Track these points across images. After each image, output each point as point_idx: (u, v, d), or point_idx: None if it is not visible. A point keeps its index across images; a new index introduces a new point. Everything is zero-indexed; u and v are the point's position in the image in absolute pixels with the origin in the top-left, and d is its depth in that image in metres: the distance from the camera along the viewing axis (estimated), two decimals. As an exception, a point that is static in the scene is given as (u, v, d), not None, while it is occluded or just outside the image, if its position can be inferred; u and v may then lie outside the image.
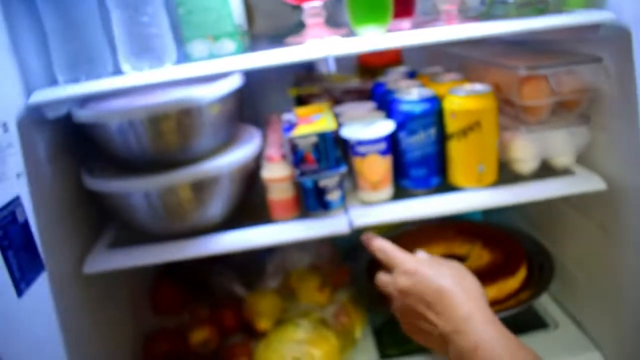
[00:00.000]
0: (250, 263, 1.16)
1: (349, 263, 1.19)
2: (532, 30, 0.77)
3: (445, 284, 0.67)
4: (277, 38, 0.98)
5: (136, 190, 0.80)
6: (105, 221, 0.94)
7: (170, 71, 0.76)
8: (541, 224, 1.14)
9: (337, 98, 1.08)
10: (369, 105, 0.97)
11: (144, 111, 0.77)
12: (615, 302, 0.91)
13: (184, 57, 0.84)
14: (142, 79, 0.76)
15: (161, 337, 1.06)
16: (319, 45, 0.74)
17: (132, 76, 0.77)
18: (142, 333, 1.06)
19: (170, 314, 1.12)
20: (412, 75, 1.03)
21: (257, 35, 1.09)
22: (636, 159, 0.80)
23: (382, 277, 0.76)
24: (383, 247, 0.77)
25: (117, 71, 0.79)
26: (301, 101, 1.10)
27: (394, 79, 1.00)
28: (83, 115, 0.80)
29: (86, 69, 0.79)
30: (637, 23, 0.75)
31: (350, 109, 0.96)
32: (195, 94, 0.78)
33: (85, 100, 0.85)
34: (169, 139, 0.80)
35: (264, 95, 1.26)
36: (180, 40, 0.82)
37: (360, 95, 1.07)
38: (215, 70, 0.74)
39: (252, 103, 1.27)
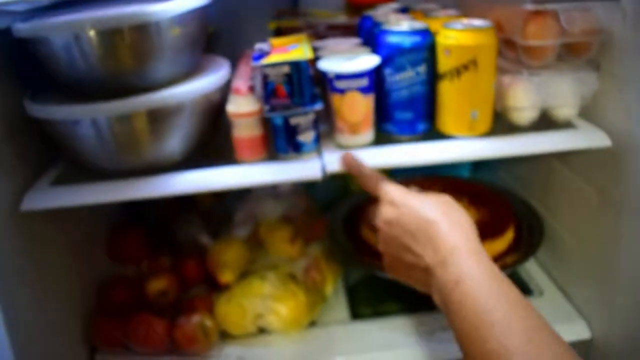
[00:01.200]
0: (219, 211, 1.08)
1: (325, 215, 1.11)
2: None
3: (432, 214, 0.61)
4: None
5: (84, 117, 0.70)
6: (52, 157, 0.84)
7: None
8: (533, 184, 1.06)
9: (320, 33, 0.98)
10: (354, 40, 0.87)
11: (92, 23, 0.67)
12: (607, 272, 0.84)
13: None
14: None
15: (117, 285, 0.97)
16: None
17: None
18: (96, 280, 0.98)
19: (128, 261, 1.03)
20: (404, 11, 0.92)
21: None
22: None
23: (369, 210, 0.70)
24: (369, 174, 0.70)
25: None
26: (281, 35, 0.99)
27: (383, 12, 0.89)
28: (23, 28, 0.69)
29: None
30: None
31: (332, 44, 0.86)
32: (152, 8, 0.68)
33: (30, 14, 0.75)
34: (121, 59, 0.70)
35: (242, 31, 1.16)
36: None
37: (346, 31, 0.96)
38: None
39: (229, 39, 1.17)
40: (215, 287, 0.94)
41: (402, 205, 0.64)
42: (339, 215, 1.05)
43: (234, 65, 0.87)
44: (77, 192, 0.74)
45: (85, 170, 0.78)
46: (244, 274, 0.94)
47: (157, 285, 0.95)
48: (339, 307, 0.97)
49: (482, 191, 1.01)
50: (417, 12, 0.89)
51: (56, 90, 0.77)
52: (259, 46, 0.79)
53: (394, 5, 0.97)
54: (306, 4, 1.15)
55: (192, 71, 0.79)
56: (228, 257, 0.93)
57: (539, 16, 0.73)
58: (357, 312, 0.96)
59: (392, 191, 0.67)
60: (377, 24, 0.80)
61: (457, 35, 0.71)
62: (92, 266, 0.97)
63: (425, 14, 0.83)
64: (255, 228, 1.01)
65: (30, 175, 0.78)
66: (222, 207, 1.08)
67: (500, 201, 0.99)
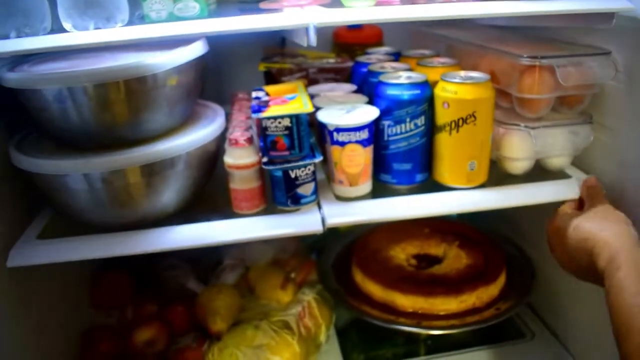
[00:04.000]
0: (207, 255, 1.05)
1: (315, 257, 1.09)
2: (542, 14, 0.67)
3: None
4: (250, 4, 0.86)
5: (75, 172, 0.67)
6: (39, 205, 0.80)
7: (119, 32, 0.63)
8: (522, 226, 1.06)
9: (311, 76, 0.97)
10: (349, 87, 0.87)
11: (87, 77, 0.64)
12: (598, 314, 0.85)
13: (138, 20, 0.72)
14: (86, 38, 0.63)
15: (100, 335, 0.94)
16: (298, 13, 0.63)
17: (73, 35, 0.64)
18: (80, 329, 0.94)
19: (112, 308, 1.00)
20: (396, 56, 0.93)
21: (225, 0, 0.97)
22: (637, 165, 0.73)
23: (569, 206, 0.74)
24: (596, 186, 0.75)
25: (57, 29, 0.66)
26: (271, 77, 0.98)
27: (377, 59, 0.89)
28: (12, 78, 0.67)
29: (18, 23, 0.66)
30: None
31: (328, 90, 0.86)
32: (149, 60, 0.66)
33: (18, 60, 0.72)
34: (116, 112, 0.68)
35: (231, 70, 1.15)
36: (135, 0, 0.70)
37: (337, 74, 0.96)
38: (174, 33, 0.63)
39: (217, 78, 1.16)
40: (206, 336, 0.91)
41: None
42: (329, 257, 1.04)
43: (223, 104, 0.86)
44: (65, 247, 0.71)
45: (73, 222, 0.75)
46: (235, 323, 0.91)
47: (145, 334, 0.92)
48: (332, 352, 0.95)
49: (472, 234, 1.01)
50: (409, 58, 0.89)
51: (45, 135, 0.74)
52: (255, 94, 0.78)
53: (386, 50, 0.97)
54: (294, 43, 1.14)
55: (187, 120, 0.77)
56: (219, 304, 0.91)
57: (534, 70, 0.73)
58: (350, 358, 0.95)
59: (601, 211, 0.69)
60: (373, 73, 0.80)
61: (456, 89, 0.72)
62: (75, 314, 0.93)
63: (420, 63, 0.83)
64: (245, 273, 0.99)
65: (14, 225, 0.75)
66: (209, 251, 1.05)
67: (490, 243, 0.99)
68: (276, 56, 1.04)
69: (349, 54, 1.05)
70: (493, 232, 1.07)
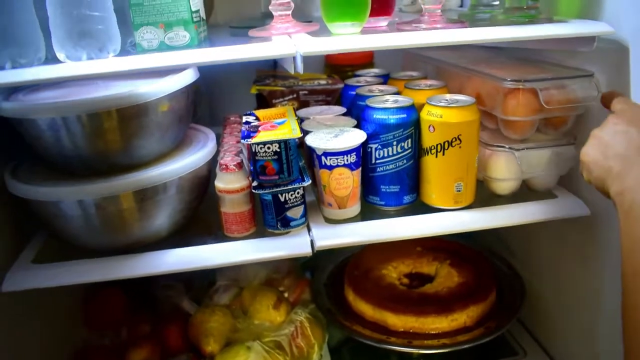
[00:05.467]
0: (201, 275, 1.06)
1: (309, 275, 1.10)
2: (524, 39, 0.69)
3: None
4: (240, 30, 0.88)
5: (69, 199, 0.69)
6: (34, 228, 0.82)
7: (111, 64, 0.65)
8: (513, 244, 1.08)
9: (302, 98, 0.99)
10: (338, 109, 0.88)
11: (80, 107, 0.66)
12: (590, 333, 0.86)
13: (131, 47, 0.74)
14: (79, 70, 0.65)
15: (94, 355, 0.95)
16: (285, 43, 0.64)
17: (67, 66, 0.66)
18: (72, 351, 0.95)
19: (106, 328, 1.00)
20: (385, 78, 0.94)
21: (216, 25, 0.99)
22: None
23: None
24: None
25: (51, 59, 0.68)
26: (263, 100, 1.00)
27: (365, 82, 0.91)
28: (8, 108, 0.68)
29: (13, 53, 0.67)
30: (635, 37, 0.69)
31: (317, 113, 0.87)
32: (141, 89, 0.68)
33: (13, 88, 0.74)
34: (108, 140, 0.69)
35: (223, 92, 1.16)
36: (127, 28, 0.72)
37: (328, 96, 0.98)
38: (164, 64, 0.64)
39: (210, 100, 1.17)
40: (199, 356, 0.92)
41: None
42: (322, 276, 1.05)
43: (215, 125, 0.87)
44: (60, 272, 0.72)
45: (67, 245, 0.76)
46: (228, 343, 0.92)
47: (138, 355, 0.92)
48: (325, 373, 0.96)
49: (463, 251, 1.02)
50: (397, 80, 0.91)
51: (39, 161, 0.76)
52: (246, 119, 0.79)
53: (375, 72, 0.99)
54: (286, 64, 1.16)
55: (179, 144, 0.79)
56: (212, 325, 0.92)
57: (518, 93, 0.75)
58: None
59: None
60: (361, 97, 0.82)
61: (441, 113, 0.73)
62: (68, 333, 0.94)
63: (407, 85, 0.85)
64: (239, 293, 1.00)
65: (9, 249, 0.76)
66: (203, 270, 1.06)
67: (481, 261, 1.00)
68: (268, 78, 1.05)
69: (340, 74, 1.07)
70: (484, 248, 1.08)
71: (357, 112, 0.82)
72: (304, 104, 0.98)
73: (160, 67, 0.66)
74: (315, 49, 0.64)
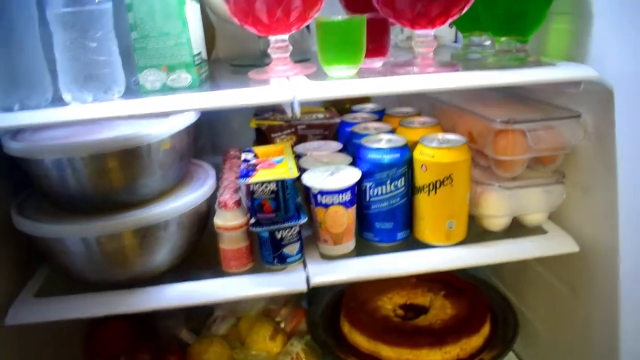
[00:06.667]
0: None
1: (306, 305, 1.12)
2: (513, 85, 0.72)
3: None
4: (240, 67, 0.91)
5: (72, 236, 0.71)
6: (37, 261, 0.84)
7: (115, 107, 0.67)
8: (507, 276, 1.09)
9: (300, 132, 1.01)
10: (335, 145, 0.91)
11: (85, 148, 0.69)
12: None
13: (135, 85, 0.76)
14: (85, 113, 0.67)
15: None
16: (283, 88, 0.67)
17: (73, 109, 0.68)
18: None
19: (106, 357, 1.02)
20: (380, 114, 0.97)
21: (217, 61, 1.02)
22: (611, 221, 0.76)
23: None
24: None
25: (57, 100, 0.71)
26: (261, 134, 1.03)
27: (362, 119, 0.94)
28: (16, 148, 0.71)
29: (21, 95, 0.70)
30: (620, 81, 0.72)
31: (314, 149, 0.90)
32: (143, 131, 0.71)
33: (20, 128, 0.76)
34: (112, 179, 0.72)
35: (224, 123, 1.19)
36: (131, 66, 0.75)
37: (325, 130, 1.01)
38: (165, 109, 0.67)
39: (211, 132, 1.20)
40: (197, 386, 0.94)
41: None
42: (318, 307, 1.07)
43: (216, 153, 0.89)
44: (62, 306, 0.74)
45: (70, 280, 0.78)
46: (226, 374, 0.94)
47: (138, 385, 0.94)
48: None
49: (457, 283, 1.04)
50: (392, 117, 0.93)
51: (45, 197, 0.78)
52: (245, 156, 0.82)
53: (371, 107, 1.02)
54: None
55: (180, 180, 0.81)
56: (210, 357, 0.94)
57: (507, 133, 0.78)
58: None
59: None
60: (356, 135, 0.84)
61: (433, 153, 0.76)
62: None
63: (402, 123, 0.87)
64: (236, 323, 1.01)
65: (13, 282, 0.78)
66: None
67: (475, 293, 1.02)
68: (267, 112, 1.08)
69: (338, 106, 1.10)
70: (479, 279, 1.10)
71: (352, 149, 0.85)
72: (302, 138, 1.00)
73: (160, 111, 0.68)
74: (312, 96, 0.67)
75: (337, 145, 0.91)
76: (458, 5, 0.71)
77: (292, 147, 0.95)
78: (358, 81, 0.70)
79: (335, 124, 1.00)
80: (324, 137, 1.00)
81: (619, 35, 0.71)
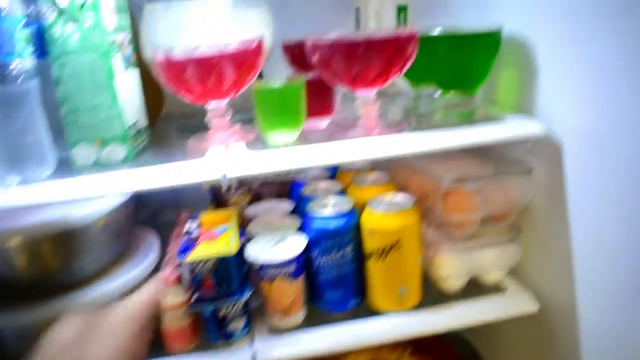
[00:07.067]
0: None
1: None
2: (459, 147, 0.69)
3: None
4: (186, 129, 0.89)
5: (6, 324, 0.68)
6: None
7: (43, 192, 0.64)
8: (478, 330, 1.05)
9: (254, 191, 0.99)
10: (286, 207, 0.88)
11: (18, 233, 0.66)
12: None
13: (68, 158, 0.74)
14: (9, 199, 0.64)
15: None
16: (213, 165, 0.65)
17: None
18: None
19: None
20: (333, 171, 0.95)
21: (169, 116, 0.99)
22: (568, 277, 0.74)
23: None
24: None
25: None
26: (216, 193, 1.00)
27: (312, 178, 0.91)
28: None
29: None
30: (568, 135, 0.70)
31: (266, 210, 0.87)
32: (76, 213, 0.67)
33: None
34: (46, 263, 0.69)
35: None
36: (63, 139, 0.72)
37: (280, 188, 0.98)
38: (90, 193, 0.64)
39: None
40: None
41: None
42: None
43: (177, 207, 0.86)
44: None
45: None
46: None
47: None
48: None
49: (425, 339, 1.00)
50: (345, 173, 0.91)
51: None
52: (188, 227, 0.79)
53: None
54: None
55: (122, 254, 0.78)
56: None
57: (456, 193, 0.75)
58: None
59: None
60: (304, 198, 0.82)
61: (379, 219, 0.73)
62: None
63: (353, 181, 0.85)
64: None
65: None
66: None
67: (444, 351, 0.99)
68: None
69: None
70: (450, 333, 1.06)
71: (302, 210, 0.82)
72: (257, 197, 0.97)
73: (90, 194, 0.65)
74: (242, 173, 0.64)
75: (289, 205, 0.88)
76: (396, 66, 0.69)
77: (247, 205, 0.93)
78: (296, 153, 0.67)
79: (289, 182, 0.98)
80: (280, 195, 0.97)
81: (565, 89, 0.70)
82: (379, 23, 1.06)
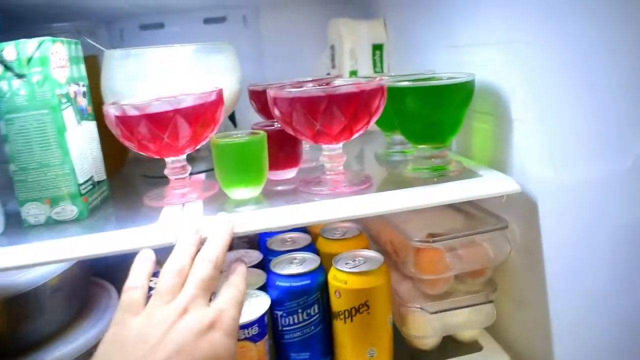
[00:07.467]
0: None
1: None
2: (430, 205, 0.66)
3: None
4: (151, 173, 0.86)
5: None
6: None
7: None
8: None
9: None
10: (254, 257, 0.84)
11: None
12: None
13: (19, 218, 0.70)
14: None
15: None
16: (165, 230, 0.61)
17: None
18: None
19: None
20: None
21: (135, 159, 0.96)
22: (545, 335, 0.70)
23: None
24: None
25: None
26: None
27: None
28: None
29: None
30: (542, 190, 0.67)
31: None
32: (23, 278, 0.64)
33: None
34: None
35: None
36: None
37: (251, 238, 0.94)
38: (45, 261, 0.60)
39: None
40: None
41: None
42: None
43: None
44: None
45: None
46: None
47: None
48: None
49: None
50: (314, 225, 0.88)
51: None
52: (152, 283, 0.75)
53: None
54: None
55: (79, 312, 0.75)
56: None
57: (427, 251, 0.72)
58: None
59: None
60: (270, 252, 0.78)
61: (346, 278, 0.69)
62: None
63: (323, 233, 0.82)
64: None
65: None
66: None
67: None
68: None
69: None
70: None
71: (268, 263, 0.79)
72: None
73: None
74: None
75: (257, 256, 0.85)
76: (362, 121, 0.66)
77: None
78: (255, 217, 0.63)
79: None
80: (250, 243, 0.94)
81: (538, 143, 0.66)
82: (355, 62, 1.03)
